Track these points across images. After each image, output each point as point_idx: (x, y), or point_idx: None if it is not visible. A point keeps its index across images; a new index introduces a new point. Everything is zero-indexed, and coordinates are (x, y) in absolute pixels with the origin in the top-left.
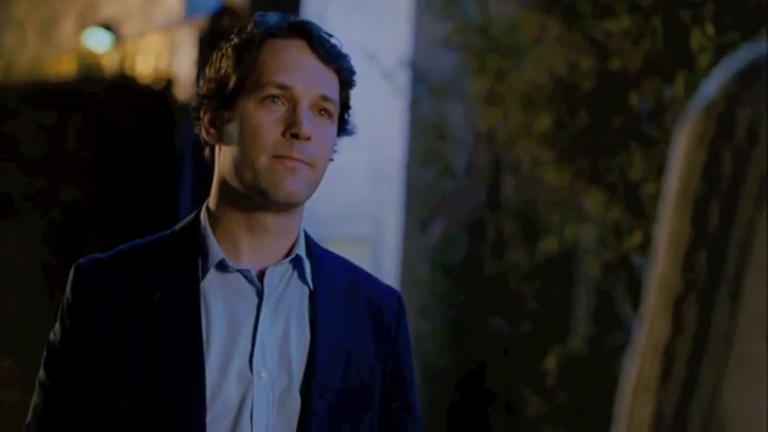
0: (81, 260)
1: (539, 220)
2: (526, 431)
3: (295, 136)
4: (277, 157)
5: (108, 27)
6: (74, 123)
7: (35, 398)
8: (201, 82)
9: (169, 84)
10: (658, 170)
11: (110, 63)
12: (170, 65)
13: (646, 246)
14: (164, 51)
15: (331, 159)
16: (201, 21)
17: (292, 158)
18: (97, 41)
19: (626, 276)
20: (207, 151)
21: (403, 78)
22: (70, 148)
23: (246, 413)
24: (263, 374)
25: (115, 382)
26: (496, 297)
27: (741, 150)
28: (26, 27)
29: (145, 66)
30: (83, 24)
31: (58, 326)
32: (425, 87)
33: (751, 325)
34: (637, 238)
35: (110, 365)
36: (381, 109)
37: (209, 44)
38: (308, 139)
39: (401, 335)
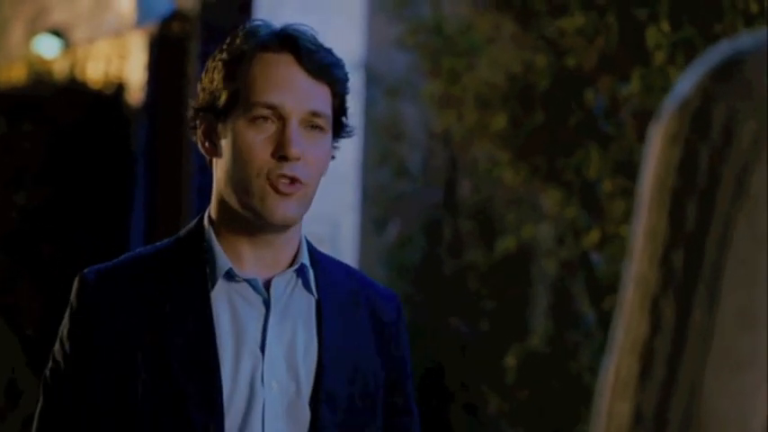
0: (85, 270)
1: (496, 219)
2: (486, 430)
3: (284, 158)
4: (269, 179)
5: (58, 33)
6: (24, 129)
7: (40, 405)
8: (198, 90)
9: (120, 89)
10: (615, 167)
11: (60, 69)
12: (121, 70)
13: (603, 243)
14: (114, 57)
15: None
16: (152, 26)
17: (284, 176)
18: (47, 47)
19: (584, 274)
20: (208, 160)
21: (357, 79)
22: (21, 153)
23: (256, 423)
24: (273, 384)
25: (128, 394)
26: (454, 297)
27: (717, 148)
28: None
29: (95, 71)
30: (32, 30)
31: (62, 337)
32: (379, 88)
33: (730, 321)
34: (594, 235)
35: (121, 377)
36: None
37: (159, 49)
38: (298, 159)
39: (401, 338)
